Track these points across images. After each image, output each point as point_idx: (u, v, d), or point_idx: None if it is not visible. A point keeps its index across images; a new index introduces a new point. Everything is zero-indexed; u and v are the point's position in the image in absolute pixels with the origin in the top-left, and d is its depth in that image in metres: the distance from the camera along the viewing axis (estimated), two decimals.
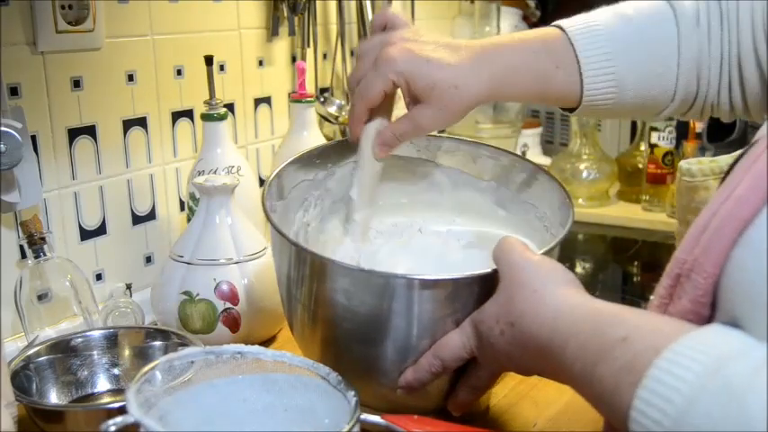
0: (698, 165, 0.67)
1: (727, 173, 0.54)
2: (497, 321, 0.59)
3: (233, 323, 0.88)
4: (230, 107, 1.14)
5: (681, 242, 0.50)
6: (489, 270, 0.62)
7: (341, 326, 0.67)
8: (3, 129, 0.79)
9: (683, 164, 0.68)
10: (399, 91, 0.72)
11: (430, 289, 0.63)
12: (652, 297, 0.53)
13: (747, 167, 0.48)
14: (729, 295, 0.46)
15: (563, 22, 0.73)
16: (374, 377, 0.66)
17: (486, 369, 0.64)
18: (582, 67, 0.71)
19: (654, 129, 1.49)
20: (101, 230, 0.98)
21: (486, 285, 0.62)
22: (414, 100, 0.71)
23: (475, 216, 0.85)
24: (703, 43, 0.71)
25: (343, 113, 1.29)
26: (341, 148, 0.82)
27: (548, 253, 0.66)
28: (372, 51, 0.71)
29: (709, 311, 0.47)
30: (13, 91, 0.86)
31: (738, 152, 0.55)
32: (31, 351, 0.77)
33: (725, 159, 0.64)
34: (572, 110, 0.75)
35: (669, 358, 0.41)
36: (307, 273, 0.67)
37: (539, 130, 1.75)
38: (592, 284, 1.35)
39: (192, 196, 0.99)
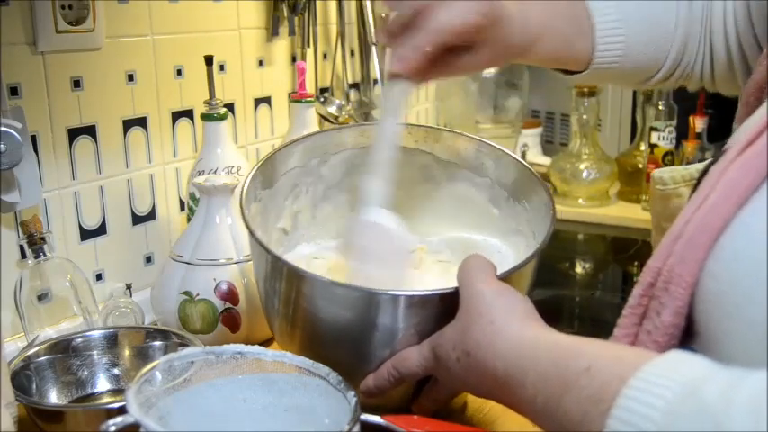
0: (670, 173, 0.67)
1: (699, 180, 0.54)
2: (454, 348, 0.59)
3: (233, 323, 0.88)
4: (230, 107, 1.14)
5: (655, 250, 0.50)
6: (451, 288, 0.62)
7: (309, 328, 0.68)
8: (3, 129, 0.79)
9: (655, 172, 0.69)
10: None
11: (389, 303, 0.63)
12: (623, 311, 0.52)
13: (719, 175, 0.48)
14: (704, 305, 0.45)
15: None
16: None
17: (445, 387, 0.65)
18: (596, 33, 0.70)
19: (654, 129, 1.49)
20: (101, 230, 0.98)
21: (447, 303, 0.62)
22: (463, 42, 0.65)
23: (468, 213, 0.85)
24: (693, 18, 0.72)
25: (343, 113, 1.29)
26: (336, 136, 0.82)
27: (516, 271, 0.66)
28: None
29: (685, 322, 0.47)
30: (13, 91, 0.86)
31: (710, 160, 0.55)
32: (31, 351, 0.77)
33: (696, 167, 0.64)
34: (571, 73, 0.74)
35: (637, 386, 0.40)
36: (282, 281, 0.68)
37: (539, 130, 1.75)
38: (592, 284, 1.35)
39: (192, 196, 0.99)
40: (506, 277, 0.63)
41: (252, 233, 0.69)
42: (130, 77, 0.99)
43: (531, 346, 0.52)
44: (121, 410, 0.53)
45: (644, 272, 0.50)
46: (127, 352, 0.81)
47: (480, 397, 0.62)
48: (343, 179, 0.85)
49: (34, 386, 0.76)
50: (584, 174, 1.53)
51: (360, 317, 0.64)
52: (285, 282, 0.68)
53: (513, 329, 0.55)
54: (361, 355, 0.66)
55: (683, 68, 0.75)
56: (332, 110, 1.29)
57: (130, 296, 0.96)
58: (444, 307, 0.62)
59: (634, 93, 1.60)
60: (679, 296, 0.46)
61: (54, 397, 0.77)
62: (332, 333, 0.67)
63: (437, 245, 0.86)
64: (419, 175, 0.85)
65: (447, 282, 0.67)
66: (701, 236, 0.46)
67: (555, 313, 1.15)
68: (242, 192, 0.72)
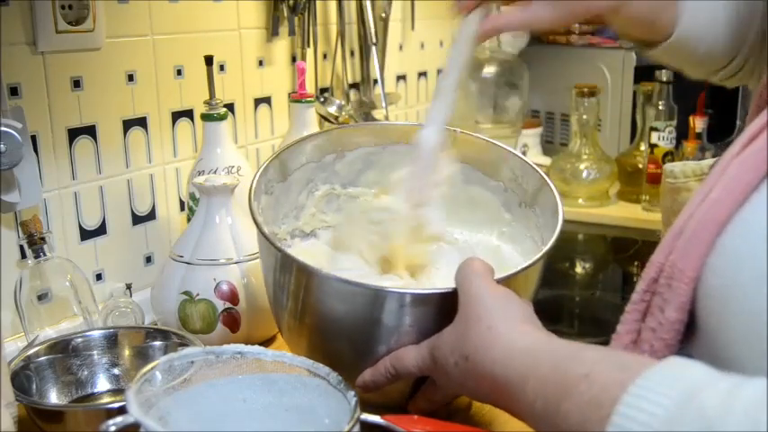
0: (681, 166, 0.67)
1: None
2: (452, 352, 0.59)
3: (233, 323, 0.88)
4: (230, 107, 1.14)
5: (658, 245, 0.50)
6: (452, 288, 0.62)
7: (314, 322, 0.69)
8: (3, 129, 0.79)
9: (667, 166, 0.69)
10: None
11: (392, 300, 0.64)
12: (626, 308, 0.52)
13: (721, 170, 0.48)
14: (706, 301, 0.46)
15: None
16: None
17: (442, 390, 0.65)
18: (684, 5, 0.68)
19: (654, 129, 1.49)
20: (101, 230, 0.98)
21: (448, 303, 0.62)
22: None
23: (482, 215, 0.85)
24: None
25: (343, 113, 1.29)
26: (352, 133, 0.84)
27: (519, 274, 0.66)
28: None
29: (688, 318, 0.47)
30: (13, 91, 0.86)
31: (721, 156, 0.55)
32: (31, 351, 0.77)
33: (707, 162, 0.64)
34: (648, 45, 0.72)
35: (636, 393, 0.40)
36: (291, 278, 0.69)
37: (539, 130, 1.75)
38: (592, 284, 1.35)
39: (192, 196, 0.99)
40: (509, 280, 0.63)
41: (260, 228, 0.70)
42: (130, 77, 0.99)
43: (530, 352, 0.52)
44: (121, 410, 0.53)
45: (647, 267, 0.50)
46: (127, 352, 0.81)
47: (477, 400, 0.62)
48: (359, 177, 0.87)
49: (34, 386, 0.76)
50: (585, 174, 1.53)
51: (362, 312, 0.65)
52: (291, 276, 0.69)
53: (511, 335, 0.55)
54: (360, 349, 0.67)
55: (745, 66, 0.72)
56: (332, 110, 1.29)
57: (130, 296, 0.95)
58: (445, 306, 0.62)
59: (634, 93, 1.60)
60: (682, 292, 0.47)
61: (54, 397, 0.77)
62: (334, 327, 0.67)
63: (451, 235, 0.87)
64: None
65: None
66: (702, 232, 0.46)
67: (555, 313, 1.15)
68: (251, 185, 0.74)
